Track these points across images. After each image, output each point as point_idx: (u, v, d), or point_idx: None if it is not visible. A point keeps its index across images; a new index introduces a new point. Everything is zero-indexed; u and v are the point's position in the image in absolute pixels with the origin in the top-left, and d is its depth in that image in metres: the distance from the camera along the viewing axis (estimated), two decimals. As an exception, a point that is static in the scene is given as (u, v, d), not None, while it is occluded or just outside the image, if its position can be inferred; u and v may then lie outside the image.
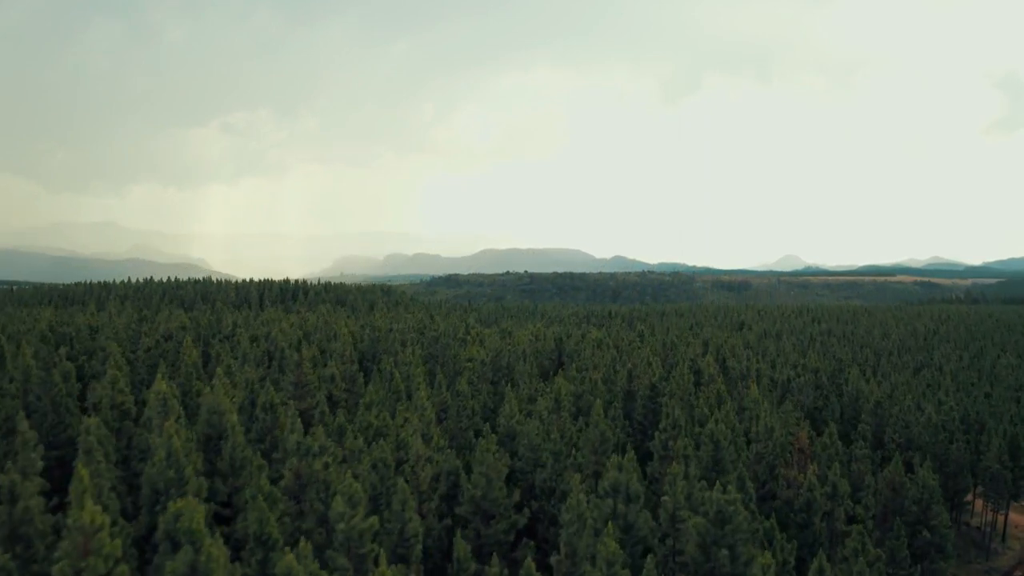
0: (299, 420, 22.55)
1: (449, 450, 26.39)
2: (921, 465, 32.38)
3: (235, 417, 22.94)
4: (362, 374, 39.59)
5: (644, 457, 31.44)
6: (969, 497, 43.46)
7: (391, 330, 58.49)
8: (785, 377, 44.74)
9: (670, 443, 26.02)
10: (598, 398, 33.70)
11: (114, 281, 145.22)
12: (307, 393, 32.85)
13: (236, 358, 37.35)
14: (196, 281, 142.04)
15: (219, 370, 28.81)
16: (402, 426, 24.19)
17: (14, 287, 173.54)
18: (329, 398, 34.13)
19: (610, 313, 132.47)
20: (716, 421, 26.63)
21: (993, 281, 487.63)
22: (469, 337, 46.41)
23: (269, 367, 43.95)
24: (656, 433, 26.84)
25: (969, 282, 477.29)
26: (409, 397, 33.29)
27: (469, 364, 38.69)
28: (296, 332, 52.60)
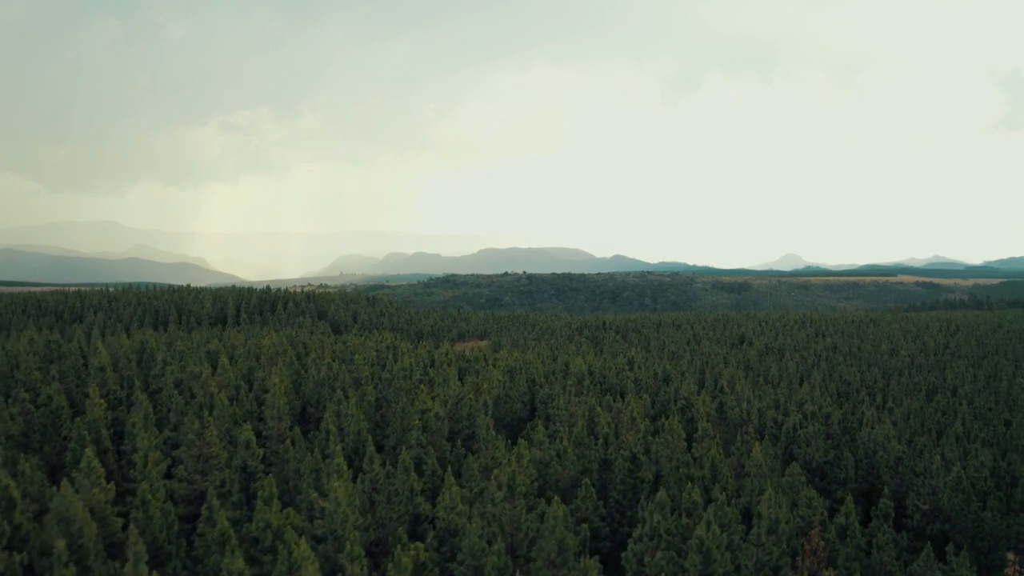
0: (141, 547, 16.94)
1: (366, 559, 20.66)
2: (956, 554, 26.72)
3: (62, 543, 17.25)
4: (297, 429, 33.86)
5: (619, 549, 25.67)
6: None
7: (351, 359, 52.68)
8: (791, 425, 38.97)
9: (646, 558, 20.41)
10: (567, 470, 27.92)
11: (82, 292, 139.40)
12: (213, 467, 27.17)
13: (145, 415, 31.57)
14: (173, 290, 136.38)
15: (88, 451, 23.05)
16: (297, 544, 18.54)
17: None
18: (244, 469, 28.47)
19: (604, 324, 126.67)
20: (708, 523, 20.95)
21: (996, 282, 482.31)
22: (427, 378, 40.29)
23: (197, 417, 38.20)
24: (630, 543, 21.20)
25: (971, 283, 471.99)
26: (337, 473, 27.50)
27: (419, 421, 32.85)
28: (239, 369, 46.83)
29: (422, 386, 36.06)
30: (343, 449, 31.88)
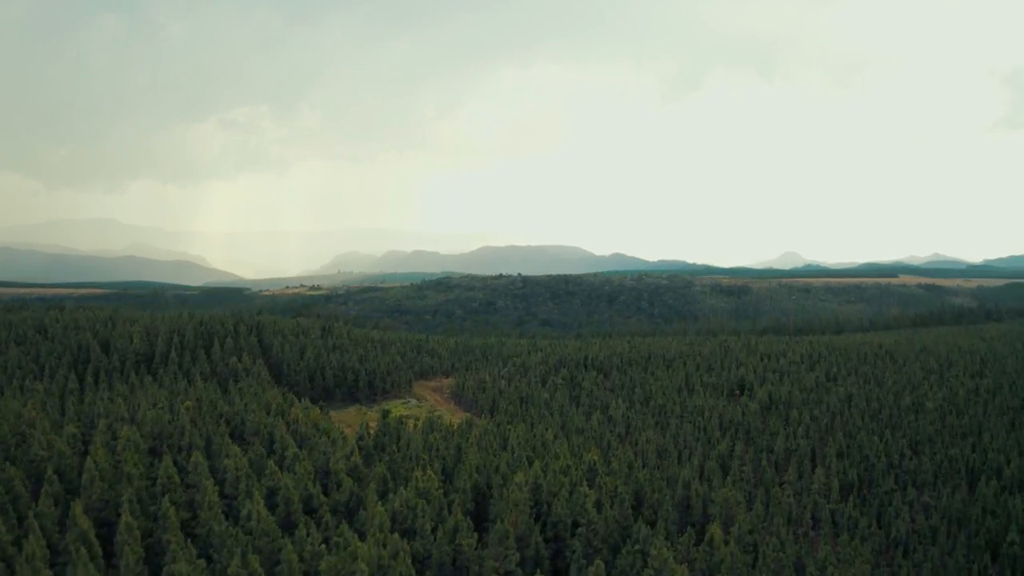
0: None
1: None
2: None
3: None
4: None
5: None
6: None
7: (199, 484, 38.27)
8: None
9: None
10: None
11: (12, 319, 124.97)
12: None
13: None
14: (109, 319, 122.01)
15: None
16: None
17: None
18: None
19: (586, 359, 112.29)
20: None
21: (999, 282, 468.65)
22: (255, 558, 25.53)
23: None
24: None
25: (974, 284, 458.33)
26: None
27: None
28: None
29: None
30: None
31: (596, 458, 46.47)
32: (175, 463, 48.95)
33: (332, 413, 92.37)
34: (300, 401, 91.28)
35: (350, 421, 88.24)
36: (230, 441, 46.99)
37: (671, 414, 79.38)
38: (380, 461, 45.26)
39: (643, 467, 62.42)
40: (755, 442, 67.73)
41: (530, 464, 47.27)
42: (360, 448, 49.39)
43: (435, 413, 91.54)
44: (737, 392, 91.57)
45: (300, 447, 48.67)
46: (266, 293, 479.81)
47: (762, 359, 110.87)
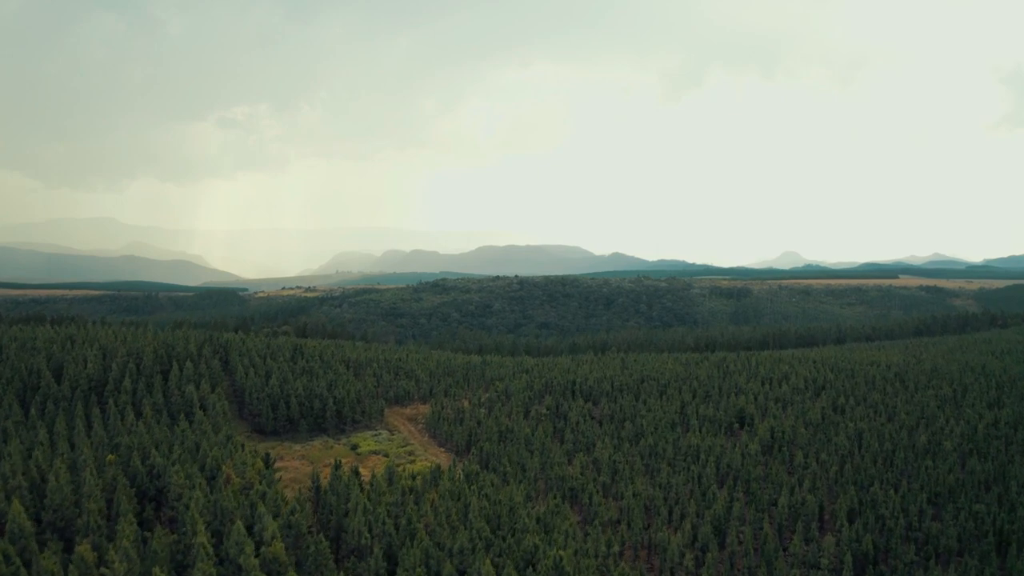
0: None
1: None
2: None
3: None
4: None
5: None
6: None
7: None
8: None
9: None
10: None
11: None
12: None
13: None
14: (69, 338, 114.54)
15: None
16: None
17: None
18: None
19: (574, 384, 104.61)
20: None
21: (1001, 284, 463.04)
22: None
23: None
24: None
25: (975, 285, 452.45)
26: None
27: None
28: None
29: None
30: None
31: (565, 554, 38.79)
32: (71, 548, 41.65)
33: (296, 447, 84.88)
34: (255, 438, 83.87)
35: (314, 456, 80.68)
36: (132, 521, 39.49)
37: (662, 456, 71.81)
38: (296, 565, 37.57)
39: (628, 528, 55.31)
40: (756, 497, 60.10)
41: (488, 548, 39.84)
42: (289, 527, 41.82)
43: (406, 448, 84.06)
44: (736, 426, 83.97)
45: (219, 526, 41.20)
46: (261, 295, 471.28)
47: (763, 383, 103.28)
